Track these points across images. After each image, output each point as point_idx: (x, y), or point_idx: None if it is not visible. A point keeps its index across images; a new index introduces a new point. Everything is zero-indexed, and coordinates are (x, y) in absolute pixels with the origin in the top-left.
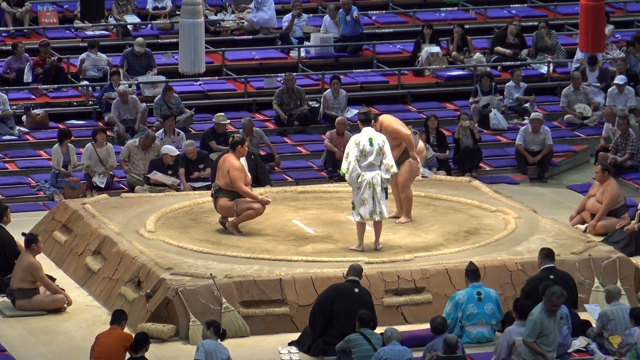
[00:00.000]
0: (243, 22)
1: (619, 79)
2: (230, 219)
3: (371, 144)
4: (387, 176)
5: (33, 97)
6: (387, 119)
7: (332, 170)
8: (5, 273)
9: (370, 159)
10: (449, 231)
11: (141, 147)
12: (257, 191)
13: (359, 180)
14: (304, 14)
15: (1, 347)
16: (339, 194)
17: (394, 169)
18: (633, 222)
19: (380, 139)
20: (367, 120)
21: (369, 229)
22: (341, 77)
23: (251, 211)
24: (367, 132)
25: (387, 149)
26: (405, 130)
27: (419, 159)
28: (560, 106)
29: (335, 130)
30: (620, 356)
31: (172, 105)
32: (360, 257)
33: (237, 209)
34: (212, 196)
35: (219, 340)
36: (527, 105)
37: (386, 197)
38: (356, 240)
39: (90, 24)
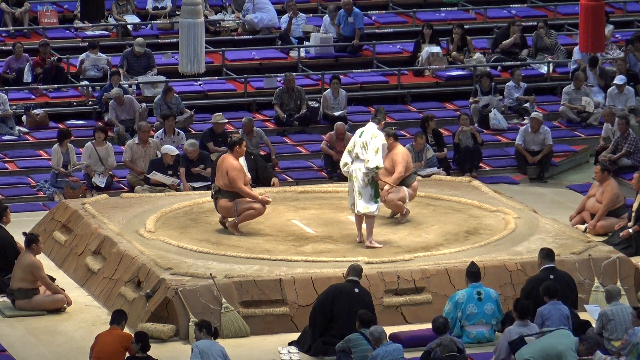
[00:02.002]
0: (242, 22)
1: (619, 79)
2: (230, 219)
3: (360, 136)
4: (364, 170)
5: (33, 97)
6: (401, 150)
7: (331, 170)
8: (5, 273)
9: (356, 150)
10: (449, 231)
11: (141, 144)
12: (258, 191)
13: (344, 169)
14: (302, 14)
15: (1, 347)
16: (339, 194)
17: (370, 164)
18: (629, 224)
19: (369, 133)
20: (374, 117)
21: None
22: (341, 77)
23: (252, 211)
24: (367, 126)
25: (373, 144)
26: (401, 167)
27: (394, 196)
28: (561, 104)
29: (334, 132)
30: (620, 356)
31: (173, 106)
32: (360, 257)
33: (238, 209)
34: (212, 197)
35: (212, 339)
36: (527, 105)
37: (375, 196)
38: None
39: (90, 24)
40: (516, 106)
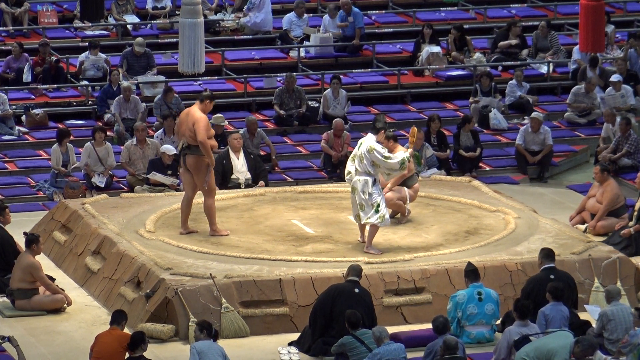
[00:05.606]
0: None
1: (615, 77)
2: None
3: (358, 148)
4: (362, 182)
5: (33, 97)
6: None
7: (331, 170)
8: (5, 273)
9: (356, 163)
10: (449, 231)
11: (139, 145)
12: (258, 191)
13: (347, 178)
14: (305, 15)
15: (1, 347)
16: (339, 194)
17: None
18: (630, 223)
19: (365, 147)
20: (373, 127)
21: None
22: (341, 77)
23: (211, 207)
24: (365, 137)
25: (373, 158)
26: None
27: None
28: (567, 102)
29: (332, 129)
30: (620, 356)
31: (173, 106)
32: (360, 257)
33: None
34: (179, 153)
35: (212, 341)
36: (529, 99)
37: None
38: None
39: (90, 24)
40: (517, 102)
